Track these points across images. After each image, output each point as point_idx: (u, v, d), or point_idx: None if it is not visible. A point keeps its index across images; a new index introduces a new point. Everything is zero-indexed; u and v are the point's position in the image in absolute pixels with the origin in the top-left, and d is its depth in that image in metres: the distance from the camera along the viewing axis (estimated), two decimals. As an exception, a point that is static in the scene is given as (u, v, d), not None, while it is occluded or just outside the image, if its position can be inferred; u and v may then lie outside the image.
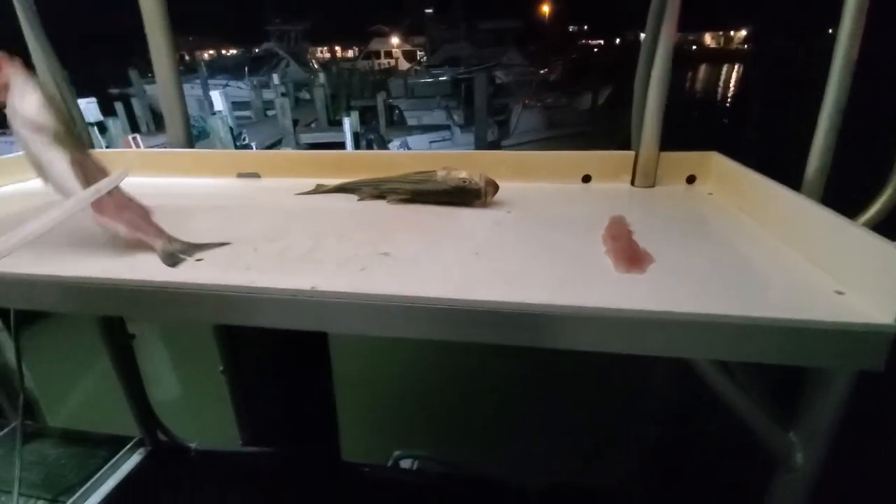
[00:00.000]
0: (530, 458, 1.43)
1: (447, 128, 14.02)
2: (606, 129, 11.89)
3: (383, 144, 13.81)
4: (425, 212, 0.90)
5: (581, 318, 0.53)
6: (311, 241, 0.76)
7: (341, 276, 0.64)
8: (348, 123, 12.09)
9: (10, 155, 1.23)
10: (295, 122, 14.74)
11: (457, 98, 15.53)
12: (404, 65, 28.89)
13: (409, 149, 13.28)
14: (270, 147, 13.71)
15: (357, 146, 12.57)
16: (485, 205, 0.91)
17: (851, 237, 0.58)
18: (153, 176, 1.26)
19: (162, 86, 1.22)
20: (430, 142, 13.56)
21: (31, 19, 1.13)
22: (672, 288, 0.59)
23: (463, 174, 0.91)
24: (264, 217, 0.89)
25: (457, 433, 1.56)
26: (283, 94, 15.48)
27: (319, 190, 1.07)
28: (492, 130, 13.14)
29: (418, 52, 30.96)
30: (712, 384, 0.64)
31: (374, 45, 33.10)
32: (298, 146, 14.10)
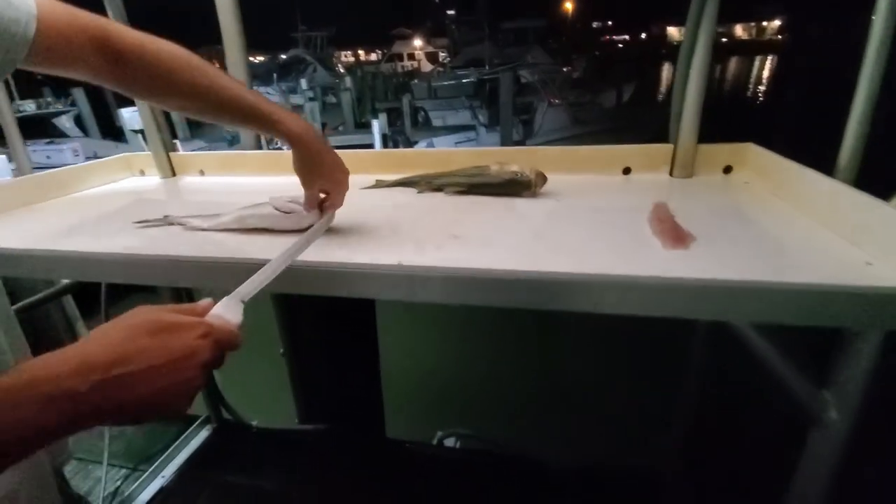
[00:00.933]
0: (572, 437, 1.51)
1: (472, 128, 14.10)
2: (631, 126, 11.76)
3: (409, 146, 14.00)
4: (482, 202, 1.00)
5: (638, 287, 0.62)
6: (387, 227, 0.87)
7: (421, 254, 0.74)
8: (377, 125, 12.31)
9: (112, 157, 1.39)
10: (323, 126, 15.07)
11: (481, 98, 15.58)
12: (427, 66, 29.10)
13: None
14: (300, 150, 14.03)
15: (385, 147, 12.79)
16: (534, 195, 1.00)
17: (879, 215, 0.65)
18: (228, 175, 1.40)
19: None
20: (456, 143, 13.65)
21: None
22: (714, 261, 0.67)
23: (515, 167, 1.00)
24: (342, 208, 1.00)
25: (500, 413, 1.65)
26: (310, 99, 15.86)
27: (381, 185, 1.18)
28: (516, 129, 13.16)
29: (441, 54, 31.14)
30: (751, 348, 0.72)
31: (397, 47, 33.45)
32: (327, 148, 14.39)
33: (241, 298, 0.52)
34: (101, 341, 0.39)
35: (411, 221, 0.89)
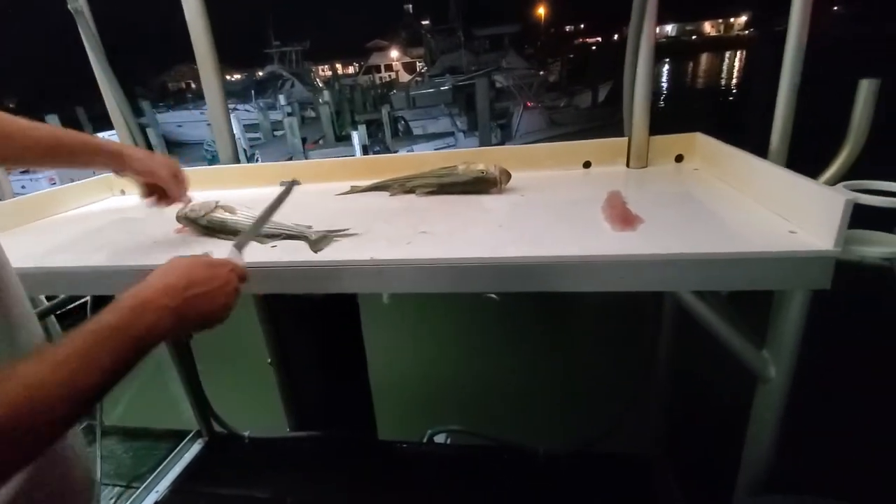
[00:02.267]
0: (556, 425, 1.56)
1: (451, 135, 14.25)
2: (608, 124, 12.02)
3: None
4: (450, 200, 1.06)
5: (587, 264, 0.68)
6: (362, 228, 0.92)
7: (393, 249, 0.79)
8: (357, 137, 12.38)
9: (92, 178, 1.42)
10: (303, 140, 15.08)
11: (459, 105, 15.76)
12: (405, 77, 29.30)
13: (415, 158, 13.54)
14: (281, 165, 14.04)
15: (365, 158, 12.87)
16: (500, 191, 1.07)
17: (801, 188, 0.72)
18: (209, 189, 1.44)
19: (213, 114, 1.39)
20: (435, 149, 13.75)
21: (104, 64, 1.31)
22: (658, 238, 0.73)
23: (480, 166, 1.06)
24: (317, 214, 1.05)
25: (487, 407, 1.70)
26: (289, 114, 15.87)
27: (355, 190, 1.23)
28: (495, 134, 13.34)
29: (418, 63, 31.37)
30: (697, 317, 0.78)
31: (374, 59, 33.62)
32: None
33: (239, 249, 0.71)
34: (170, 274, 0.55)
35: (384, 221, 0.94)
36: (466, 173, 1.07)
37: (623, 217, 0.80)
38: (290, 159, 14.61)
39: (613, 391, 1.41)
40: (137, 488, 1.66)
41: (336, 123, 17.17)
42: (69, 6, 1.23)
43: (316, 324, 1.68)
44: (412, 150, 13.70)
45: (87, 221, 1.22)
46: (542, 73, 18.16)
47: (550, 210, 0.93)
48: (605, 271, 0.68)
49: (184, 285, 0.54)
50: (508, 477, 1.60)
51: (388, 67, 33.73)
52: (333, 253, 0.81)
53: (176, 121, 20.16)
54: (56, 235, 1.11)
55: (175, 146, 18.91)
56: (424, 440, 1.78)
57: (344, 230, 0.89)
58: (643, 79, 1.12)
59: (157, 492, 1.65)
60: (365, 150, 12.93)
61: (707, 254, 0.65)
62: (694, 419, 1.24)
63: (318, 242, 0.84)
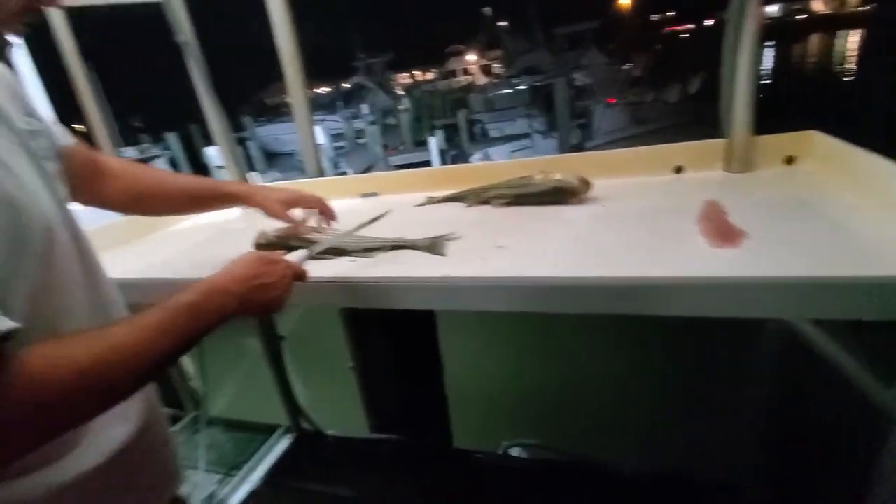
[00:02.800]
0: (642, 446, 1.45)
1: (528, 136, 14.05)
2: (697, 120, 11.13)
3: (465, 159, 14.18)
4: (527, 212, 1.02)
5: (682, 288, 0.62)
6: (436, 241, 0.92)
7: (467, 265, 0.78)
8: (433, 143, 12.64)
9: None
10: (384, 147, 15.70)
11: (537, 106, 15.49)
12: (482, 80, 29.39)
13: (490, 160, 13.52)
14: (363, 172, 14.72)
15: (443, 163, 13.07)
16: (580, 202, 1.01)
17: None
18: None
19: (301, 129, 1.48)
20: (511, 151, 13.65)
21: (207, 87, 1.45)
22: (766, 257, 0.65)
23: (558, 175, 1.02)
24: (394, 226, 1.07)
25: (566, 422, 1.63)
26: (371, 123, 16.61)
27: (431, 201, 1.24)
28: (574, 134, 12.92)
29: (494, 66, 31.31)
30: (809, 344, 0.68)
31: (452, 64, 34.08)
32: (388, 168, 14.97)
33: (306, 256, 0.80)
34: (239, 266, 0.65)
35: (460, 234, 0.93)
36: (543, 183, 1.03)
37: (723, 231, 0.72)
38: (371, 167, 15.31)
39: (705, 414, 1.28)
40: (235, 477, 1.80)
41: (415, 129, 17.66)
42: (177, 39, 1.37)
43: (394, 332, 1.72)
44: (486, 152, 13.75)
45: (191, 236, 1.35)
46: (624, 67, 17.27)
47: (636, 222, 0.87)
48: (703, 296, 0.61)
49: (249, 276, 0.64)
50: (589, 496, 1.52)
51: (466, 71, 34.02)
52: (406, 269, 0.81)
53: (273, 134, 21.92)
54: (161, 248, 1.24)
55: (272, 157, 20.58)
56: (501, 452, 1.75)
57: (450, 234, 0.90)
58: (746, 69, 1.00)
59: (251, 482, 1.78)
60: (442, 155, 13.16)
61: (831, 277, 0.56)
62: (795, 451, 1.09)
63: (434, 247, 0.86)
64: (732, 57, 1.01)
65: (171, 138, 18.24)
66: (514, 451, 1.74)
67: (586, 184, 1.00)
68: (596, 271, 0.67)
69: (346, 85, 26.77)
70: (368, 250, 0.91)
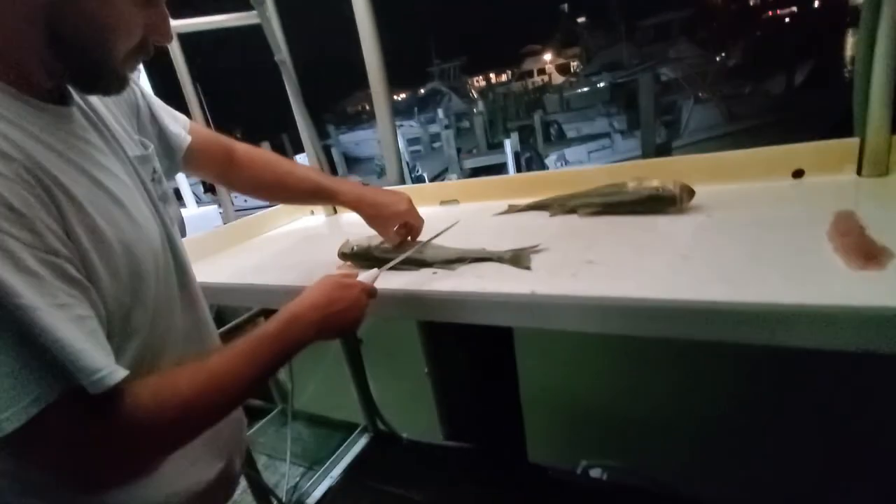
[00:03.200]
0: (734, 478, 1.29)
1: (607, 136, 13.43)
2: (805, 114, 9.94)
3: (540, 160, 13.88)
4: (619, 222, 0.95)
5: (812, 317, 0.53)
6: (521, 253, 0.88)
7: (555, 281, 0.74)
8: (509, 144, 12.52)
9: (280, 206, 1.66)
10: (458, 150, 15.84)
11: (617, 104, 14.78)
12: (559, 79, 28.70)
13: (566, 162, 13.10)
14: (438, 175, 14.96)
15: (518, 165, 12.90)
16: (680, 211, 0.93)
17: None
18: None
19: (384, 138, 1.52)
20: (589, 152, 13.14)
21: (299, 101, 1.53)
22: (927, 283, 0.54)
23: (654, 182, 0.94)
24: (475, 236, 1.04)
25: (650, 447, 1.51)
26: (446, 127, 16.85)
27: (513, 209, 1.20)
28: (658, 133, 12.13)
29: (572, 64, 30.46)
30: None
31: (527, 64, 33.64)
32: (463, 172, 15.07)
33: (374, 274, 0.79)
34: (316, 293, 0.68)
35: (545, 246, 0.89)
36: (638, 191, 0.95)
37: (864, 249, 0.62)
38: (446, 170, 15.52)
39: (798, 449, 1.12)
40: (317, 471, 1.88)
41: (489, 132, 17.65)
42: (275, 58, 1.46)
43: (470, 339, 1.70)
44: (563, 153, 13.34)
45: (279, 241, 1.43)
46: (718, 58, 15.95)
47: (751, 236, 0.77)
48: (845, 328, 0.52)
49: (325, 304, 0.67)
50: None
51: (541, 71, 33.42)
52: (489, 283, 0.78)
53: (353, 140, 23.04)
54: (252, 254, 1.31)
55: (353, 162, 21.62)
56: (578, 471, 1.66)
57: (535, 246, 0.87)
58: (884, 60, 0.86)
59: (331, 477, 1.85)
60: (516, 157, 12.98)
61: None
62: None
63: (519, 260, 0.83)
64: (868, 46, 0.87)
65: (265, 147, 19.77)
66: (594, 472, 1.64)
67: (688, 191, 0.91)
68: (709, 292, 0.59)
69: (422, 91, 27.38)
70: (450, 262, 0.90)
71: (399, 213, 0.95)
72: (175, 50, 1.83)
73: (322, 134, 22.97)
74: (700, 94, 12.05)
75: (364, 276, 0.77)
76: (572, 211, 1.06)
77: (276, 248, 1.29)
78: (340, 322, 0.69)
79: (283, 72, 1.50)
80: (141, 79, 2.04)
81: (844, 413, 0.98)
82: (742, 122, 10.99)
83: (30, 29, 0.46)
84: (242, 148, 0.93)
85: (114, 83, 0.54)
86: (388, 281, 0.88)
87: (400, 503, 1.73)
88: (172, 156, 0.80)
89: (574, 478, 1.66)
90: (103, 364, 0.44)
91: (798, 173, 0.98)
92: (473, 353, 1.76)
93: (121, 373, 0.45)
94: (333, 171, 1.57)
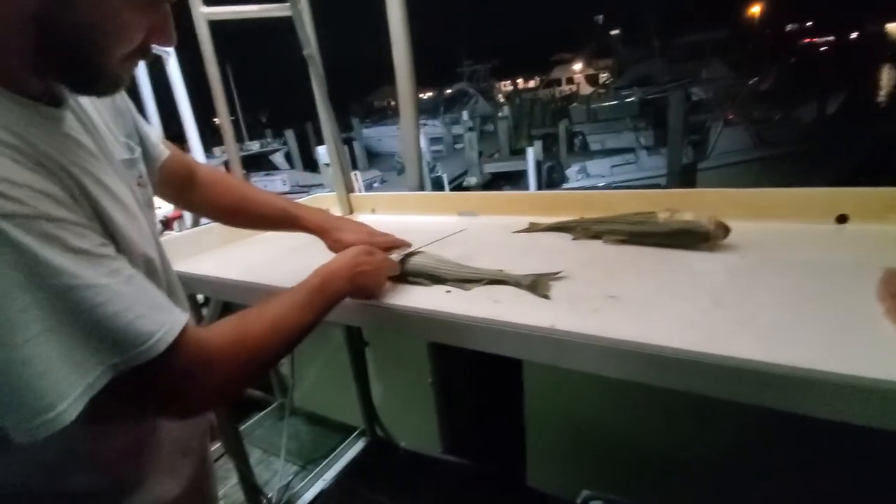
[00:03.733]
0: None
1: (631, 151, 13.23)
2: (837, 145, 9.67)
3: (561, 171, 13.75)
4: (646, 254, 0.90)
5: (859, 390, 0.48)
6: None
7: (576, 316, 0.69)
8: (531, 153, 12.41)
9: (307, 197, 1.64)
10: (480, 154, 15.78)
11: (646, 119, 14.57)
12: (587, 89, 28.48)
13: (588, 175, 12.94)
14: (458, 177, 14.93)
15: (539, 173, 12.78)
16: (712, 248, 0.87)
17: None
18: (396, 213, 1.53)
19: (406, 139, 1.48)
20: (612, 166, 12.97)
21: (323, 95, 1.51)
22: None
23: (688, 216, 0.89)
24: (491, 253, 1.01)
25: (655, 484, 1.46)
26: (469, 129, 16.78)
27: (534, 228, 1.16)
28: (685, 152, 11.92)
29: (601, 75, 30.21)
30: None
31: (557, 72, 33.44)
32: (482, 175, 15.01)
33: (401, 259, 0.91)
34: (346, 256, 0.79)
35: (567, 273, 0.84)
36: (669, 223, 0.90)
37: (921, 317, 0.56)
38: (465, 173, 15.45)
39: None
40: (310, 471, 1.86)
41: (512, 138, 17.55)
42: (304, 52, 1.44)
43: (478, 354, 1.66)
44: (584, 166, 13.17)
45: (284, 242, 1.38)
46: (751, 81, 15.63)
47: (787, 285, 0.71)
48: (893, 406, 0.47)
49: (353, 264, 0.77)
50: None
51: (570, 80, 33.21)
52: (505, 309, 0.74)
53: (376, 135, 23.11)
54: (263, 249, 1.28)
55: (374, 156, 21.70)
56: (579, 501, 1.60)
57: (556, 273, 0.83)
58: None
59: (324, 480, 1.82)
60: (538, 166, 12.88)
61: None
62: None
63: (537, 286, 0.79)
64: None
65: (289, 135, 19.98)
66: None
67: (723, 229, 0.86)
68: (743, 348, 0.55)
69: (448, 91, 27.37)
70: (466, 281, 0.86)
71: (365, 235, 0.94)
72: (203, 33, 1.81)
73: (346, 126, 23.12)
74: (729, 117, 11.79)
75: (392, 255, 0.88)
76: (597, 236, 1.02)
77: (289, 244, 1.25)
78: (366, 282, 0.79)
79: (311, 66, 1.47)
80: (170, 62, 2.04)
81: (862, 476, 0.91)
82: (773, 147, 10.72)
83: (18, 34, 0.44)
84: (205, 170, 0.92)
85: (110, 86, 0.53)
86: (398, 296, 0.84)
87: (391, 514, 1.69)
88: (152, 166, 0.78)
89: (572, 507, 1.61)
90: (163, 320, 0.48)
91: (842, 218, 0.92)
92: (480, 368, 1.71)
93: (183, 319, 0.50)
94: (354, 164, 1.56)
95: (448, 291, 0.84)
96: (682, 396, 0.59)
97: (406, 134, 1.47)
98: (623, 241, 0.96)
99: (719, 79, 15.08)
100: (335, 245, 0.92)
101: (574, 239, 1.05)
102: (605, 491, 1.62)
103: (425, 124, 20.02)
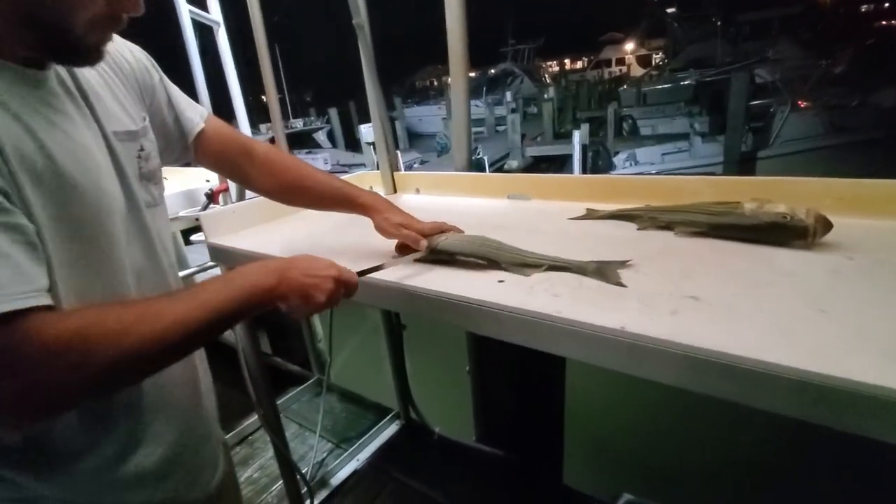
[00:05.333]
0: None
1: (685, 137, 12.54)
2: None
3: (608, 157, 13.22)
4: (727, 249, 0.79)
5: None
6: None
7: (651, 317, 0.60)
8: (577, 136, 11.96)
9: (351, 175, 1.59)
10: (522, 136, 15.41)
11: (701, 104, 13.74)
12: (638, 71, 27.16)
13: (636, 162, 12.38)
14: (499, 160, 14.66)
15: (584, 159, 12.34)
16: (808, 246, 0.76)
17: None
18: (441, 194, 1.46)
19: (457, 119, 1.40)
20: (663, 154, 12.36)
21: (371, 69, 1.44)
22: None
23: (781, 208, 0.77)
24: (547, 240, 0.92)
25: (696, 494, 1.36)
26: (513, 111, 16.40)
27: (592, 215, 1.06)
28: (744, 139, 11.17)
29: (654, 56, 28.75)
30: None
31: (606, 53, 32.06)
32: (524, 159, 14.68)
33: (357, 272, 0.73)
34: (281, 259, 0.66)
35: (634, 268, 0.75)
36: (757, 215, 0.79)
37: None
38: (507, 155, 15.15)
39: None
40: (345, 450, 1.86)
41: (557, 120, 17.02)
42: (353, 21, 1.37)
43: (520, 347, 1.59)
44: (633, 153, 12.59)
45: (335, 216, 1.35)
46: (824, 63, 14.40)
47: (912, 294, 0.60)
48: None
49: (286, 265, 0.64)
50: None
51: (620, 61, 31.80)
52: (565, 304, 0.66)
53: (417, 115, 22.99)
54: (306, 226, 1.24)
55: (414, 137, 21.65)
56: (618, 504, 1.52)
57: (624, 262, 0.75)
58: None
59: (358, 460, 1.82)
60: (584, 150, 12.43)
61: None
62: None
63: (605, 274, 0.72)
64: None
65: (333, 113, 20.20)
66: (636, 509, 1.50)
67: (824, 224, 0.74)
68: (863, 370, 0.45)
69: (492, 71, 26.75)
70: (524, 266, 0.78)
71: (407, 216, 0.92)
72: (255, 13, 1.78)
73: (388, 106, 23.04)
74: (798, 102, 10.91)
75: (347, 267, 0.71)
76: (667, 227, 0.91)
77: (327, 223, 1.21)
78: (303, 282, 0.63)
79: (360, 36, 1.40)
80: (219, 34, 2.02)
81: None
82: (848, 134, 9.85)
83: (6, 7, 0.47)
84: (263, 147, 0.92)
85: (87, 55, 0.55)
86: (447, 282, 0.77)
87: (423, 500, 1.66)
88: (184, 140, 0.81)
89: (611, 510, 1.53)
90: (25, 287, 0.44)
91: (972, 216, 0.77)
92: (521, 359, 1.64)
93: (22, 300, 0.44)
94: (395, 144, 1.53)
95: (501, 281, 0.77)
96: (733, 406, 0.51)
97: (457, 111, 1.39)
98: (699, 234, 0.85)
99: (787, 59, 13.94)
100: (384, 223, 0.90)
101: (639, 229, 0.95)
102: (644, 495, 1.53)
103: (468, 105, 19.68)
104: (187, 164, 0.90)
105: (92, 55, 0.55)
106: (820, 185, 0.86)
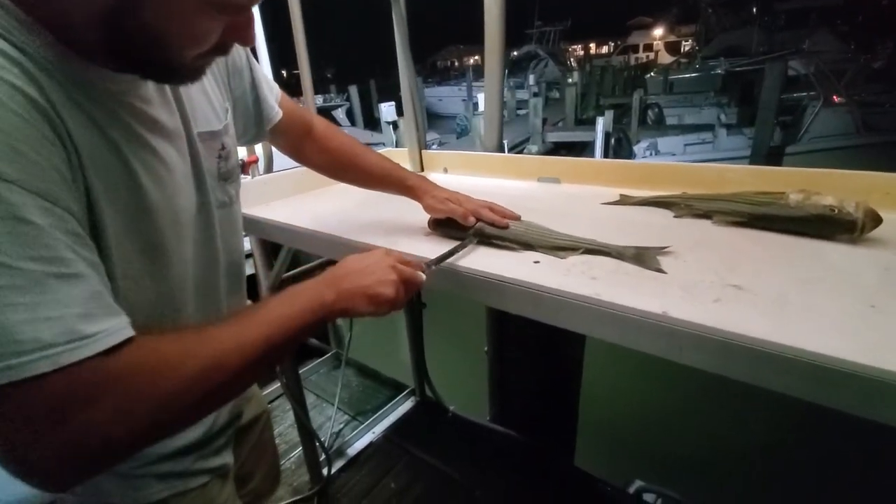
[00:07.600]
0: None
1: (710, 129, 12.20)
2: None
3: (629, 145, 12.97)
4: (769, 241, 0.78)
5: None
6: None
7: (693, 304, 0.60)
8: (601, 123, 11.72)
9: (386, 149, 1.59)
10: (544, 121, 15.16)
11: (730, 94, 13.33)
12: (666, 58, 26.41)
13: (657, 152, 12.11)
14: (519, 144, 14.48)
15: (606, 146, 12.12)
16: (854, 241, 0.74)
17: None
18: (469, 174, 1.45)
19: (489, 99, 1.39)
20: (686, 144, 12.07)
21: (405, 43, 1.42)
22: None
23: (829, 200, 0.75)
24: (582, 224, 0.91)
25: (711, 480, 1.36)
26: (535, 94, 16.08)
27: (626, 201, 1.04)
28: (773, 133, 10.83)
29: (684, 43, 27.90)
30: None
31: (634, 38, 31.21)
32: (544, 144, 14.47)
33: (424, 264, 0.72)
34: (337, 268, 0.63)
35: (673, 255, 0.74)
36: (803, 206, 0.77)
37: None
38: (527, 140, 14.93)
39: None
40: (361, 423, 1.90)
41: (579, 106, 16.69)
42: (388, -8, 1.35)
43: (539, 327, 1.59)
44: (655, 143, 12.30)
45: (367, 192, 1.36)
46: (864, 57, 13.82)
47: (969, 294, 0.58)
48: None
49: (342, 273, 0.62)
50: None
51: (648, 48, 30.95)
52: (603, 287, 0.66)
53: (438, 95, 22.73)
54: (339, 199, 1.25)
55: (434, 118, 21.45)
56: (631, 491, 1.54)
57: (663, 248, 0.74)
58: None
59: (373, 433, 1.86)
60: (607, 137, 12.19)
61: None
62: None
63: (644, 259, 0.71)
64: None
65: (353, 91, 20.05)
66: (648, 497, 1.52)
67: (873, 218, 0.72)
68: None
69: (514, 53, 26.24)
70: (559, 249, 0.78)
71: (456, 193, 0.90)
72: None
73: (409, 85, 22.76)
74: (832, 97, 10.50)
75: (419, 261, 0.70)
76: (705, 216, 0.89)
77: (356, 199, 1.21)
78: (360, 291, 0.60)
79: (394, 8, 1.39)
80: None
81: None
82: (880, 134, 9.50)
83: (88, 31, 0.44)
84: (321, 124, 0.93)
85: (185, 78, 0.53)
86: (485, 261, 0.77)
87: (437, 475, 1.70)
88: (262, 126, 0.82)
89: (624, 497, 1.55)
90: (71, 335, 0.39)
91: None
92: (540, 343, 1.65)
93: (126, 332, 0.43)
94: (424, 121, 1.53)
95: (537, 262, 0.77)
96: (744, 396, 0.50)
97: (490, 90, 1.37)
98: (739, 224, 0.84)
99: (824, 52, 13.40)
100: (432, 201, 0.89)
101: (676, 217, 0.93)
102: (655, 482, 1.54)
103: (489, 87, 19.37)
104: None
105: (194, 79, 0.54)
106: (866, 179, 0.83)
